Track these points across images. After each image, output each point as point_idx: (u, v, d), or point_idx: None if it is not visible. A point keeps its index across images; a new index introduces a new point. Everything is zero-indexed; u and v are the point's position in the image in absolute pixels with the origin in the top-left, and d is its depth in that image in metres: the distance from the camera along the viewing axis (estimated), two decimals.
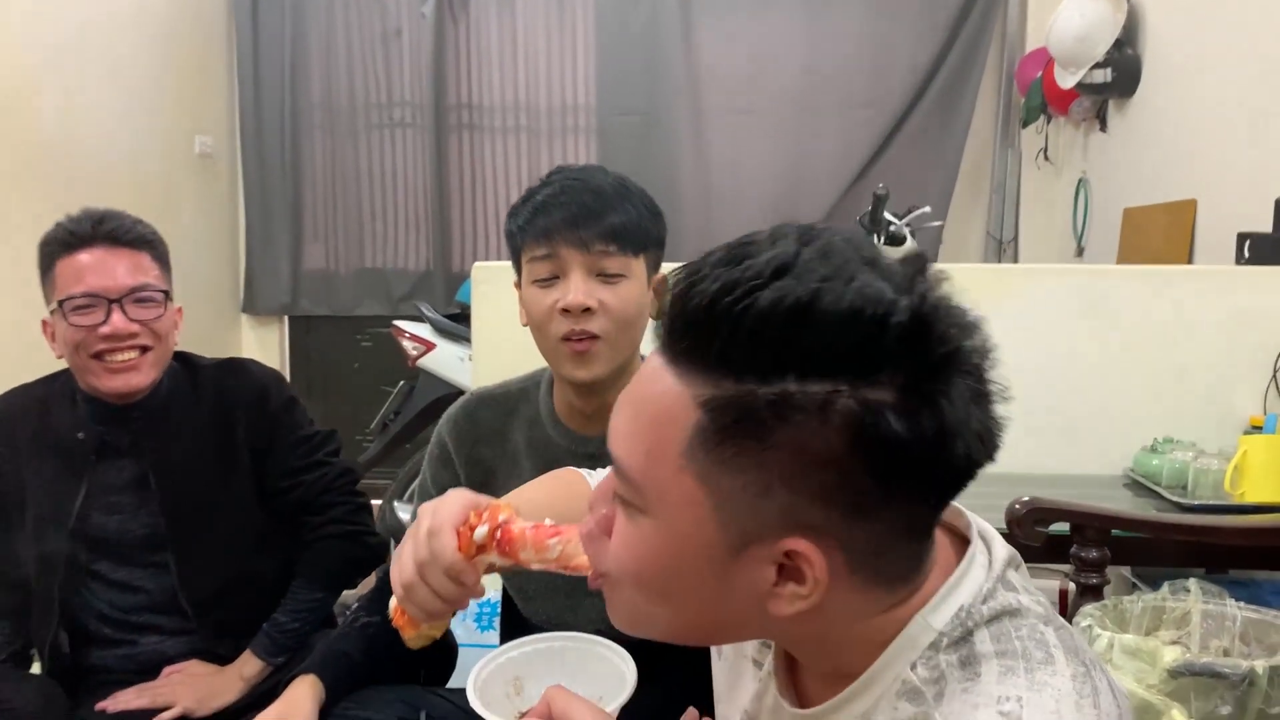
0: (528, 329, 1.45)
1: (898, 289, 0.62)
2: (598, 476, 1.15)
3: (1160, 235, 3.14)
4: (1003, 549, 0.75)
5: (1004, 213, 4.40)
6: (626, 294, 1.38)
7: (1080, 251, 3.87)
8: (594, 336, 1.37)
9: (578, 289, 1.35)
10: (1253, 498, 1.94)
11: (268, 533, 1.77)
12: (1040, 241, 4.26)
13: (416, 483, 1.59)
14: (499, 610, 1.71)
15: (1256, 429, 2.21)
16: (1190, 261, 2.93)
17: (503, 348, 2.40)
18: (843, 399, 0.61)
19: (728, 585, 0.68)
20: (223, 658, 1.74)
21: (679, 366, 0.65)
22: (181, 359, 1.78)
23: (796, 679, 0.80)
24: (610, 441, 0.71)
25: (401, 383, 3.40)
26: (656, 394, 0.67)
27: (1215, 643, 1.53)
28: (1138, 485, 2.20)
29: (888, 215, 2.71)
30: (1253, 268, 2.36)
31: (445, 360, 3.22)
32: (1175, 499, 2.03)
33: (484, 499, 0.96)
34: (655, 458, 0.67)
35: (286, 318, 4.82)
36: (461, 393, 3.41)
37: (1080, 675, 0.67)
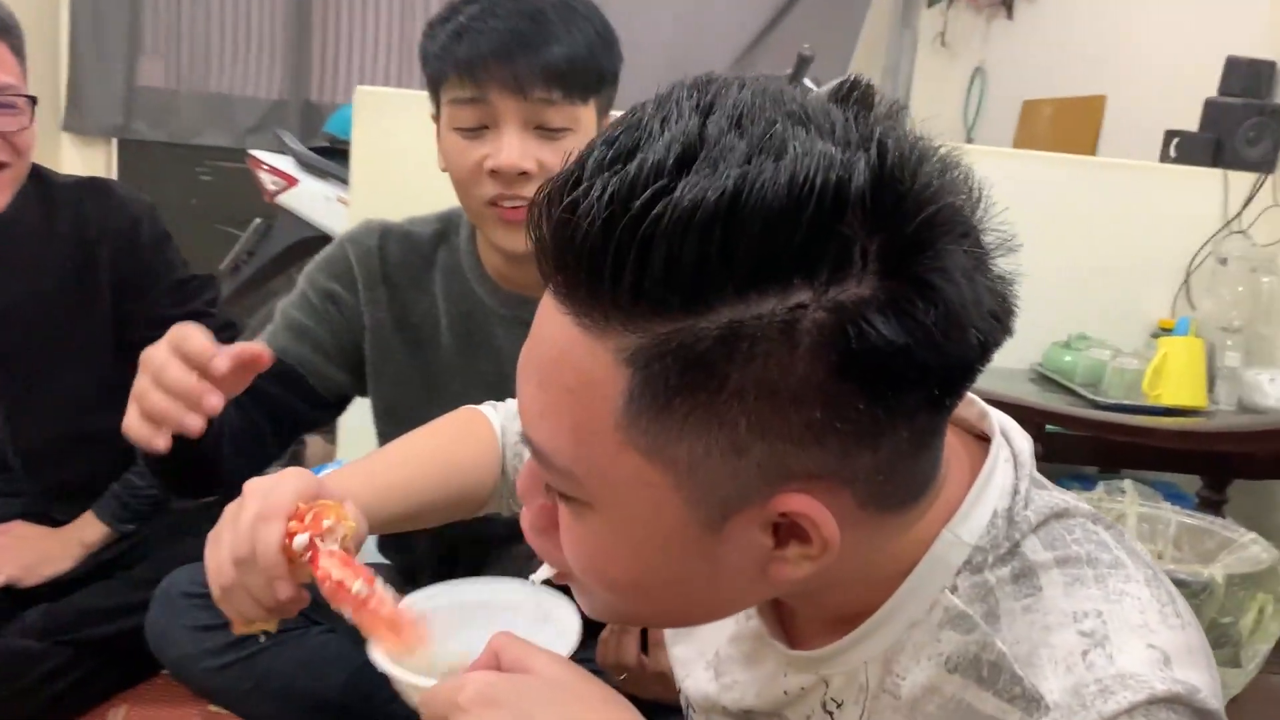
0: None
1: (846, 145, 0.47)
2: (504, 411, 0.97)
3: (1062, 130, 3.10)
4: (1023, 439, 0.62)
5: (895, 96, 4.30)
6: (573, 150, 1.14)
7: (969, 142, 3.82)
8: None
9: (512, 148, 1.12)
10: (1169, 400, 1.93)
11: (119, 385, 1.51)
12: (927, 129, 4.18)
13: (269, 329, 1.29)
14: None
15: (1166, 331, 2.20)
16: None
17: (387, 190, 2.14)
18: (810, 312, 0.46)
19: (715, 565, 0.54)
20: (59, 524, 1.51)
21: (585, 317, 0.49)
22: (34, 174, 1.46)
23: (785, 619, 0.67)
24: (523, 423, 0.55)
25: (257, 220, 3.05)
26: (564, 356, 0.51)
27: (1150, 547, 1.49)
28: (1045, 380, 2.17)
29: (808, 81, 2.53)
30: (1178, 166, 2.32)
31: (309, 199, 2.89)
32: (1089, 395, 2.01)
33: (326, 487, 0.79)
34: (584, 438, 0.51)
35: (116, 140, 4.29)
36: (327, 238, 3.13)
37: (1153, 579, 0.57)
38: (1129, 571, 0.56)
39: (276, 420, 1.20)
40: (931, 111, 4.17)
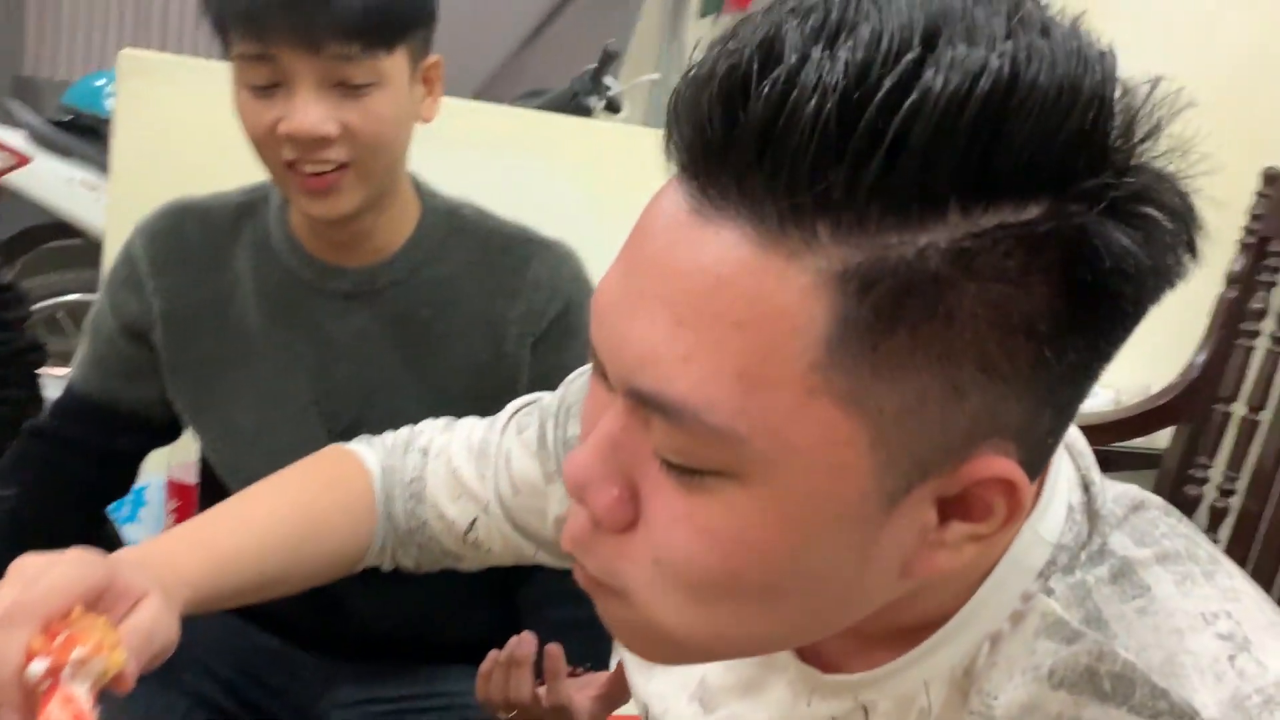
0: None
1: (1087, 42, 0.41)
2: (379, 450, 0.83)
3: None
4: (1071, 425, 0.57)
5: (661, 106, 4.33)
6: (380, 109, 1.01)
7: None
8: (341, 165, 1.01)
9: (306, 111, 0.98)
10: None
11: None
12: None
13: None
14: (169, 499, 1.34)
15: None
16: None
17: (156, 169, 1.89)
18: (1057, 222, 0.40)
19: (866, 557, 0.45)
20: None
21: (778, 229, 0.40)
22: None
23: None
24: (633, 370, 0.44)
25: None
26: (729, 283, 0.41)
27: None
28: None
29: (608, 79, 2.49)
30: None
31: (45, 180, 2.54)
32: None
33: (121, 578, 0.62)
34: (758, 385, 0.41)
35: None
36: (63, 226, 2.77)
37: (1239, 572, 0.53)
38: (1228, 567, 0.52)
39: (105, 464, 1.11)
40: None
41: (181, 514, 1.87)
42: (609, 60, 2.42)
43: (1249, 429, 1.63)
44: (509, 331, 1.13)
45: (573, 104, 2.46)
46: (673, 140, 0.43)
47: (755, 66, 0.39)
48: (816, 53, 0.39)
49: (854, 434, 0.42)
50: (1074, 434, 0.55)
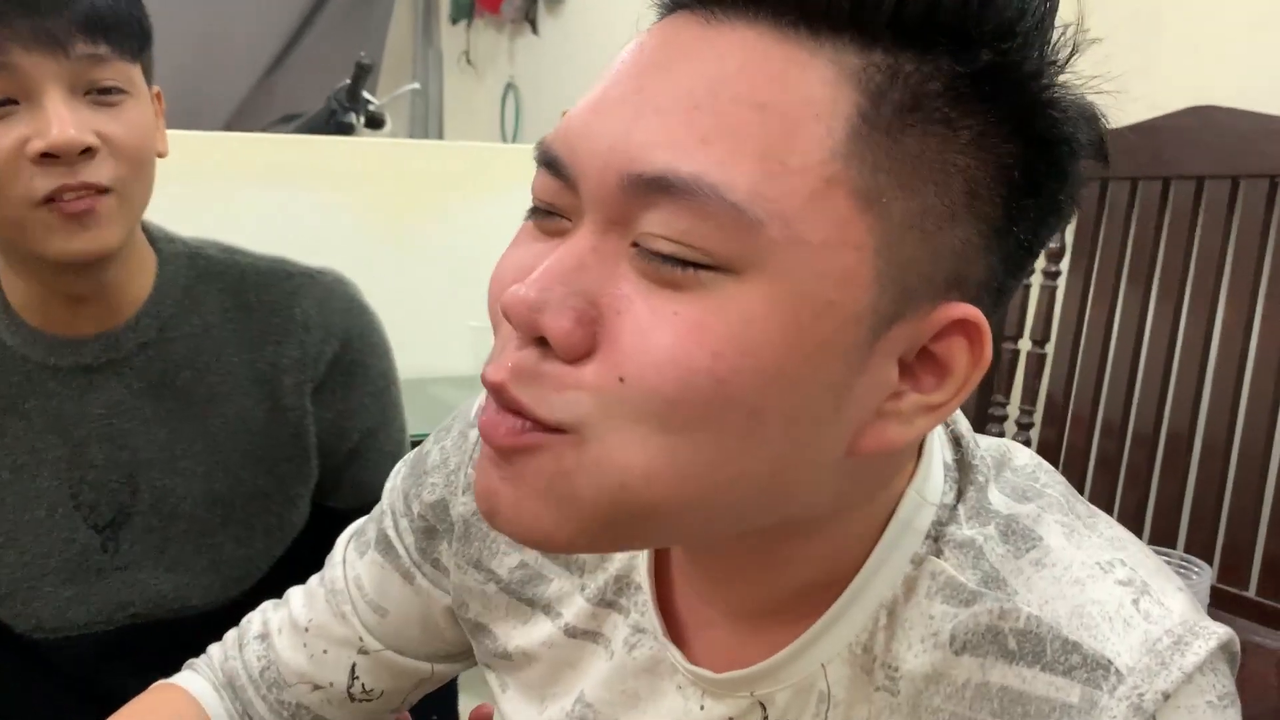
0: None
1: None
2: (206, 667, 0.75)
3: None
4: None
5: (428, 115, 4.23)
6: (136, 121, 0.91)
7: None
8: (102, 190, 0.88)
9: (63, 120, 0.85)
10: None
11: None
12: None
13: None
14: None
15: None
16: None
17: None
18: (1029, 83, 0.44)
19: (839, 402, 0.43)
20: None
21: (795, 29, 0.42)
22: None
23: (681, 635, 0.55)
24: (635, 158, 0.41)
25: None
26: (750, 70, 0.41)
27: None
28: None
29: (366, 94, 2.37)
30: None
31: None
32: None
33: None
34: (778, 168, 0.40)
35: None
36: None
37: (1112, 520, 0.54)
38: (1104, 516, 0.52)
39: None
40: (467, 127, 4.16)
41: None
42: (364, 74, 2.30)
43: (1036, 363, 1.71)
44: (283, 381, 1.02)
45: (332, 123, 2.34)
46: None
47: None
48: None
49: (864, 238, 0.41)
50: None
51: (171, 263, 1.01)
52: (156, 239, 1.02)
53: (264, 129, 2.80)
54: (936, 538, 0.49)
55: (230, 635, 0.77)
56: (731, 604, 0.53)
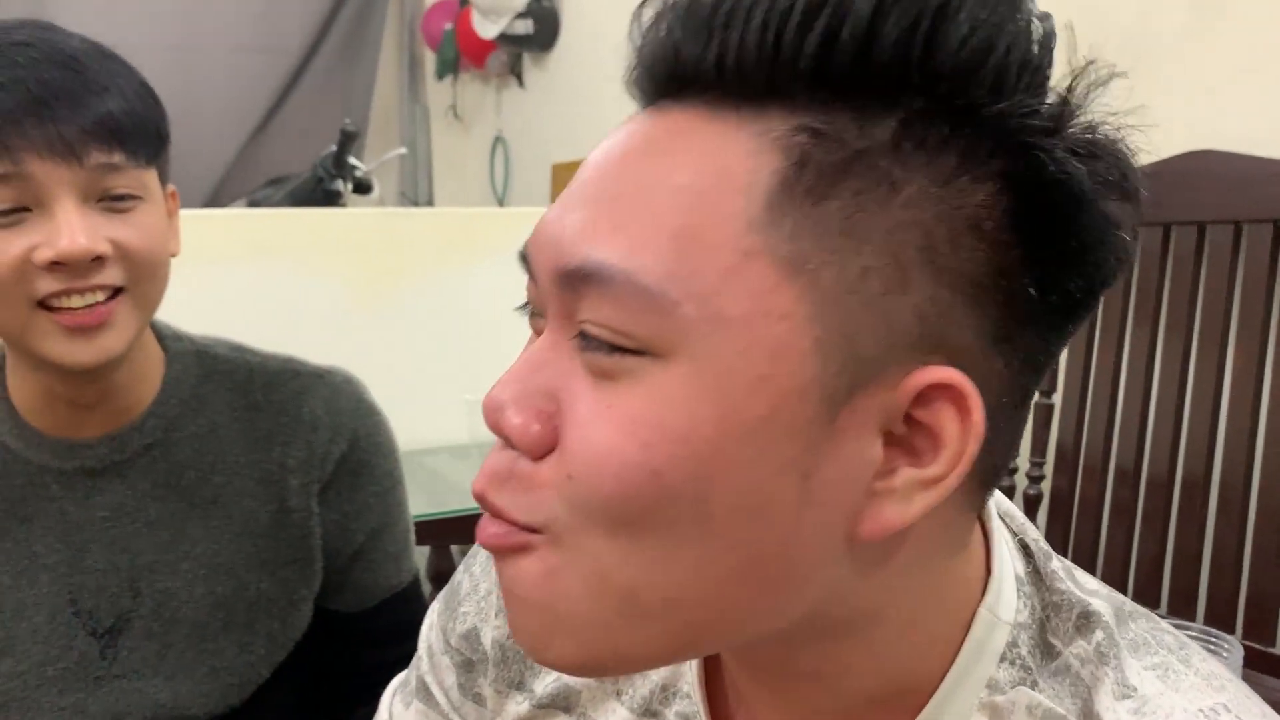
0: None
1: None
2: None
3: None
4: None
5: (416, 171, 4.23)
6: (150, 225, 0.89)
7: (501, 206, 3.84)
8: (117, 290, 0.87)
9: (74, 229, 0.84)
10: None
11: None
12: (455, 202, 4.17)
13: None
14: None
15: None
16: None
17: None
18: (996, 126, 0.40)
19: (808, 485, 0.40)
20: None
21: (726, 105, 0.41)
22: None
23: None
24: (563, 253, 0.42)
25: None
26: (664, 148, 0.41)
27: None
28: None
29: (352, 160, 2.36)
30: None
31: None
32: None
33: None
34: (693, 246, 0.40)
35: None
36: None
37: (1195, 643, 0.50)
38: (1192, 645, 0.48)
39: None
40: (455, 183, 4.16)
41: None
42: (349, 141, 2.29)
43: (1044, 413, 1.68)
44: (289, 482, 1.00)
45: (319, 190, 2.32)
46: (634, 72, 0.44)
47: None
48: None
49: (791, 307, 0.39)
50: (997, 496, 0.51)
51: (179, 361, 1.00)
52: (164, 337, 1.01)
53: (251, 193, 2.78)
54: (1014, 661, 0.47)
55: None
56: (793, 714, 0.49)
